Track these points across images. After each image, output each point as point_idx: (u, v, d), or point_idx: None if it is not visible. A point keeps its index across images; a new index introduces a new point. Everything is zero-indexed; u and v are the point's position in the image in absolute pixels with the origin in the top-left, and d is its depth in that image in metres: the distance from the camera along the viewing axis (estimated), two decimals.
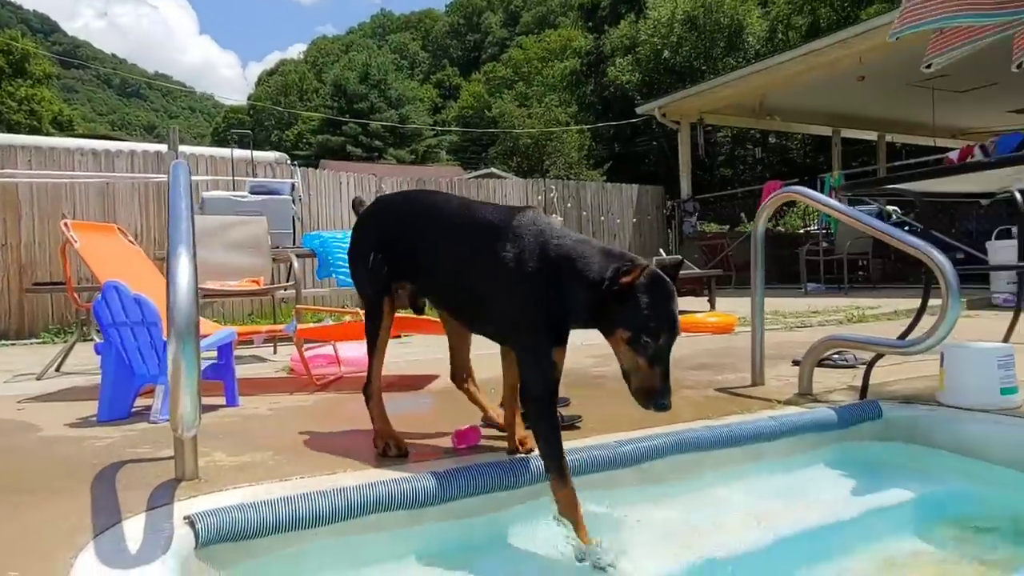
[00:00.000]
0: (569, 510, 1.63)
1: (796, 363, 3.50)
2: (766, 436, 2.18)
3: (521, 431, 2.01)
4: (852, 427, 2.33)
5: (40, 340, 7.23)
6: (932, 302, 2.41)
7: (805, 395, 2.67)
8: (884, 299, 7.84)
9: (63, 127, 38.85)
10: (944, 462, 2.20)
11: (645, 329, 1.52)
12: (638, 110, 14.58)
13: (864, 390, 2.58)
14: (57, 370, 4.26)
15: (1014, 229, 7.58)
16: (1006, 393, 2.32)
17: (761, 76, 11.36)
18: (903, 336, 2.50)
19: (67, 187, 7.70)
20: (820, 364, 3.31)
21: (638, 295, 1.54)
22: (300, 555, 1.55)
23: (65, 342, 5.02)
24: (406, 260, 2.00)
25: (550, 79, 39.96)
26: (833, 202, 2.53)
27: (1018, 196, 2.79)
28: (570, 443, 2.03)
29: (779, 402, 2.57)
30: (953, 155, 9.16)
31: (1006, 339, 2.77)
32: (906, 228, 10.85)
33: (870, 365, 2.60)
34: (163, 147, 8.50)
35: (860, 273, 10.62)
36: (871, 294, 8.78)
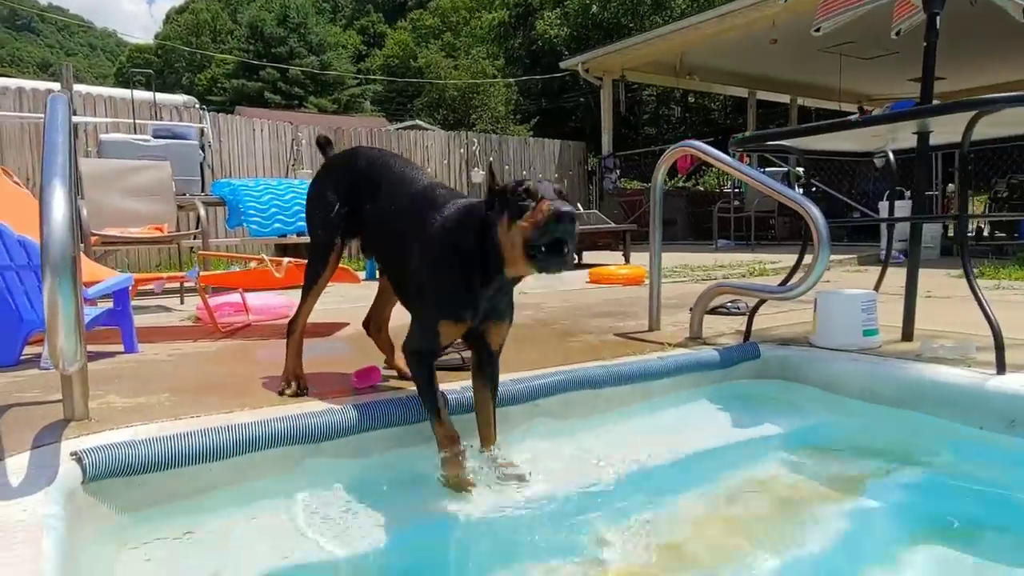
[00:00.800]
0: (443, 445, 1.71)
1: (691, 311, 3.71)
2: (654, 375, 2.33)
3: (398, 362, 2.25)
4: (733, 367, 2.52)
5: None
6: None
7: (695, 339, 2.85)
8: (786, 255, 8.28)
9: None
10: (811, 396, 2.42)
11: (524, 202, 1.49)
12: (562, 64, 14.57)
13: (747, 334, 2.78)
14: None
15: (903, 192, 8.13)
16: (867, 335, 2.56)
17: (681, 35, 11.54)
18: (783, 284, 2.69)
19: None
20: (714, 312, 3.53)
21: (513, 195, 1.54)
22: (193, 491, 1.59)
23: None
24: (361, 216, 2.04)
25: (478, 30, 39.17)
26: (724, 156, 2.67)
27: (890, 156, 3.02)
28: (469, 381, 2.12)
29: (670, 345, 2.74)
30: (853, 118, 9.64)
31: (876, 287, 3.02)
32: (813, 188, 11.41)
33: (753, 311, 2.80)
34: (55, 85, 7.93)
35: (769, 232, 11.14)
36: (775, 250, 9.25)
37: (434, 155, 11.61)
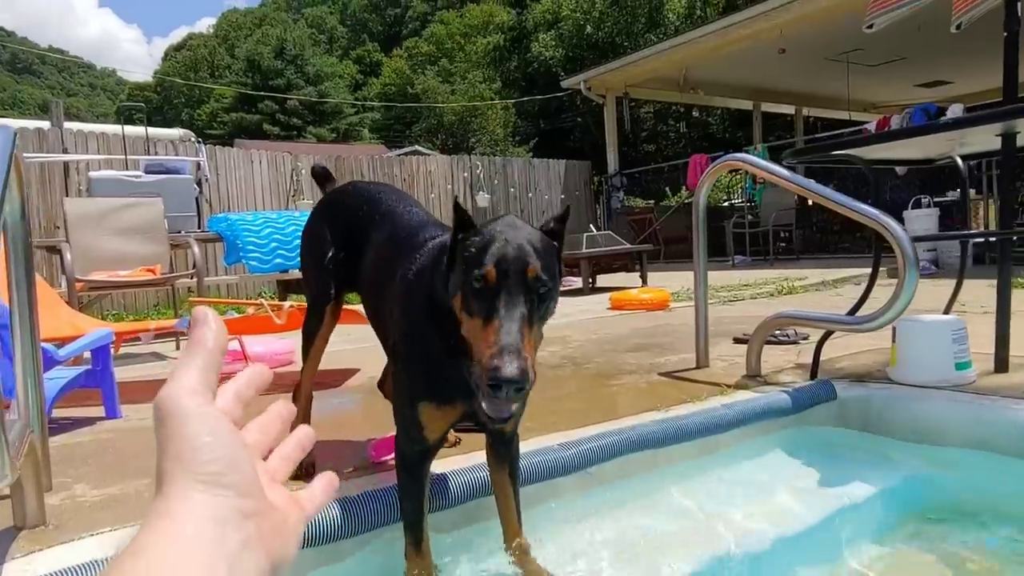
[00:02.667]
0: None
1: (738, 340, 3.37)
2: (721, 427, 1.98)
3: None
4: (807, 410, 2.18)
5: None
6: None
7: (754, 377, 2.50)
8: (808, 269, 7.95)
9: None
10: (902, 444, 2.06)
11: (470, 273, 1.04)
12: (563, 83, 14.37)
13: (815, 369, 2.43)
14: None
15: (925, 199, 7.81)
16: (960, 368, 2.21)
17: (684, 49, 11.32)
18: (853, 311, 2.35)
19: None
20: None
21: (463, 248, 1.10)
22: None
23: None
24: (356, 262, 1.70)
25: (473, 55, 39.31)
26: (781, 170, 2.35)
27: (959, 162, 2.69)
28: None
29: (728, 386, 2.40)
30: (870, 126, 9.36)
31: (947, 311, 2.68)
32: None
33: (820, 342, 2.46)
34: (46, 124, 7.69)
35: (783, 244, 10.82)
36: (795, 264, 8.92)
37: (437, 180, 11.34)
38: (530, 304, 1.01)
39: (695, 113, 28.12)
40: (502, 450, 1.40)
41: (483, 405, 0.99)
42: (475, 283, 1.01)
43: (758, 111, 14.73)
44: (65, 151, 7.43)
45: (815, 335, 3.00)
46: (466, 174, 11.67)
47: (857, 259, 8.45)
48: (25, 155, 7.19)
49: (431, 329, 1.19)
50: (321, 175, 1.94)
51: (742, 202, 12.07)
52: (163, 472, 0.40)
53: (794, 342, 3.22)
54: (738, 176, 13.39)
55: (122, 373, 3.20)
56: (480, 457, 1.74)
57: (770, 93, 14.16)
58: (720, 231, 10.78)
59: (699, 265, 2.76)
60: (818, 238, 10.82)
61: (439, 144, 31.80)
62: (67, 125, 7.66)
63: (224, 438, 0.42)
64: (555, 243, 1.14)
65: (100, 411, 2.48)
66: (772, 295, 5.81)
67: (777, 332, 3.26)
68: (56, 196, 7.22)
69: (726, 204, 13.52)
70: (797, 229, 10.13)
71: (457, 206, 1.13)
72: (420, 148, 25.32)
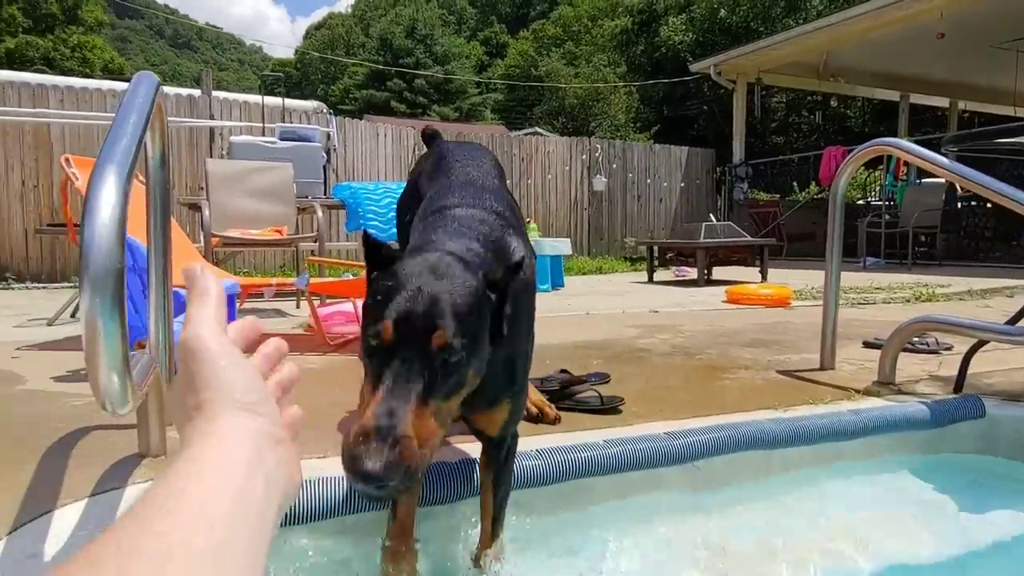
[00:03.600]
0: (390, 534, 1.23)
1: (868, 345, 3.10)
2: (846, 433, 1.81)
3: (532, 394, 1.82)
4: (949, 426, 1.95)
5: (71, 284, 7.16)
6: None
7: (886, 384, 2.27)
8: (951, 277, 7.26)
9: (114, 76, 39.28)
10: None
11: (368, 325, 0.88)
12: (692, 67, 13.83)
13: (960, 383, 2.18)
14: (73, 316, 4.09)
15: None
16: None
17: (828, 32, 10.56)
18: (1014, 320, 2.08)
19: (98, 129, 7.54)
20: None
21: (372, 291, 0.95)
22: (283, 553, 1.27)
23: None
24: None
25: (599, 38, 38.72)
26: (939, 158, 2.10)
27: None
28: (614, 432, 1.71)
29: (856, 391, 2.20)
30: None
31: None
32: (971, 203, 10.08)
33: (970, 353, 2.19)
34: (197, 92, 8.28)
35: (923, 248, 9.95)
36: (937, 271, 8.17)
37: (555, 161, 11.26)
38: (430, 377, 0.82)
39: (833, 103, 26.35)
40: (492, 453, 1.24)
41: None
42: (371, 339, 0.85)
43: (905, 103, 13.57)
44: (212, 117, 8.00)
45: (960, 346, 2.70)
46: (584, 156, 11.52)
47: (1011, 269, 7.64)
48: (176, 119, 7.78)
49: None
50: (430, 137, 1.87)
51: (879, 201, 11.19)
52: (202, 402, 0.46)
53: (934, 351, 2.92)
54: (876, 172, 12.42)
55: None
56: (583, 437, 1.68)
57: (922, 83, 12.99)
58: (852, 231, 10.03)
59: (831, 260, 2.54)
60: (965, 244, 9.86)
61: (559, 127, 31.68)
62: (215, 94, 8.24)
63: (254, 376, 0.49)
64: (492, 296, 0.95)
65: None
66: (908, 301, 5.34)
67: (915, 339, 2.96)
68: (202, 158, 7.79)
69: (861, 202, 12.59)
70: (942, 233, 9.27)
71: (367, 240, 0.95)
72: (540, 130, 25.32)
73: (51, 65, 33.33)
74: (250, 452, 0.44)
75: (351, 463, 0.75)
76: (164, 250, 1.68)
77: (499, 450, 1.23)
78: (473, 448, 1.50)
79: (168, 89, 8.47)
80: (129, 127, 1.15)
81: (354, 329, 3.30)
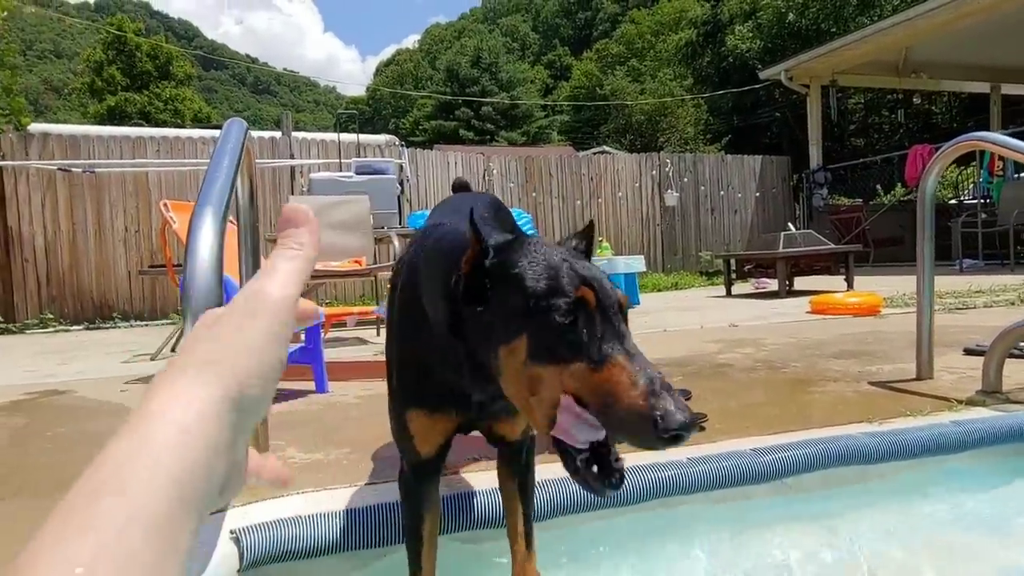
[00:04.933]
0: None
1: (970, 352, 2.92)
2: (950, 446, 1.71)
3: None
4: None
5: (170, 321, 7.62)
6: None
7: (992, 393, 2.14)
8: None
9: (203, 124, 41.88)
10: None
11: (550, 308, 0.76)
12: (762, 74, 13.51)
13: None
14: (173, 350, 4.34)
15: None
16: None
17: (906, 27, 10.11)
18: None
19: (190, 174, 8.06)
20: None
21: (503, 271, 0.83)
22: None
23: None
24: None
25: (664, 53, 38.44)
26: None
27: None
28: (699, 449, 1.68)
29: (958, 402, 2.07)
30: None
31: None
32: None
33: None
34: (278, 134, 8.72)
35: None
36: None
37: (624, 179, 11.20)
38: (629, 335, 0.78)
39: (916, 100, 25.15)
40: (512, 456, 1.17)
41: (579, 478, 0.75)
42: (564, 311, 0.75)
43: (997, 94, 12.80)
44: (292, 156, 8.40)
45: None
46: (654, 172, 11.40)
47: None
48: (260, 161, 8.21)
49: (428, 330, 0.96)
50: (460, 187, 1.88)
51: (973, 199, 10.55)
52: (215, 360, 0.38)
53: None
54: (968, 170, 11.73)
55: (330, 354, 3.50)
56: (667, 455, 1.65)
57: (1014, 71, 12.24)
58: (945, 232, 9.48)
59: (923, 264, 2.42)
60: None
61: (627, 144, 31.49)
62: (294, 134, 8.67)
63: (276, 369, 0.41)
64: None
65: (311, 385, 2.73)
66: (1012, 304, 5.00)
67: (1022, 344, 2.77)
68: (284, 196, 8.19)
69: (953, 201, 11.91)
70: None
71: (471, 220, 0.85)
72: (608, 148, 25.25)
73: (147, 118, 35.87)
74: (212, 445, 0.36)
75: (663, 421, 0.67)
76: None
77: (520, 452, 1.17)
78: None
79: (255, 133, 8.98)
80: (223, 170, 1.24)
81: None
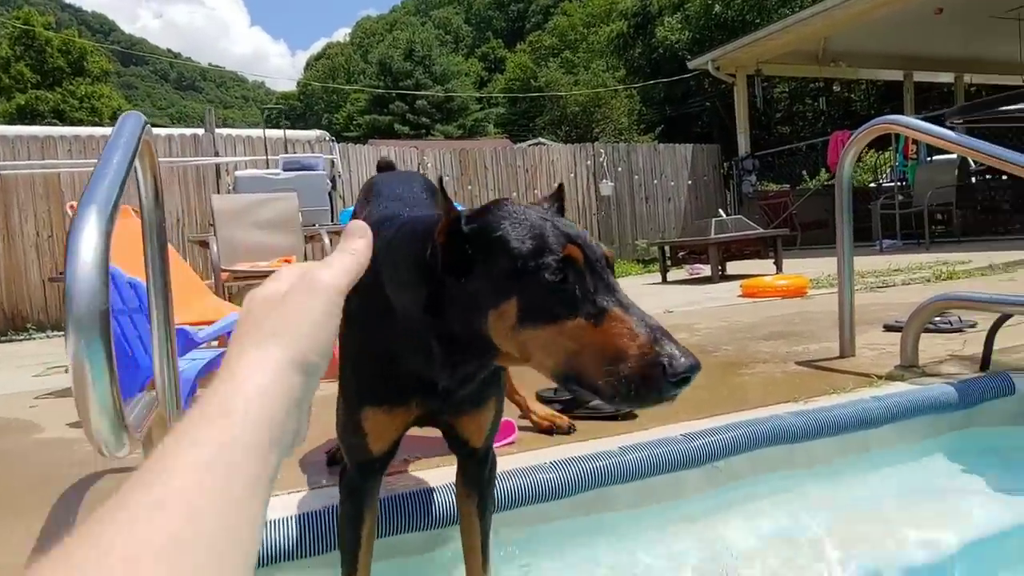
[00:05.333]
0: None
1: (889, 328, 3.03)
2: (872, 421, 1.76)
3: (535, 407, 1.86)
4: (977, 406, 1.89)
5: None
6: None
7: (910, 367, 2.22)
8: (972, 253, 7.11)
9: None
10: None
11: (539, 267, 0.74)
12: (690, 64, 13.79)
13: (986, 360, 2.12)
14: None
15: None
16: None
17: (824, 17, 10.48)
18: None
19: None
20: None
21: (484, 235, 0.79)
22: None
23: None
24: None
25: (596, 45, 38.85)
26: (945, 131, 2.05)
27: None
28: (629, 437, 1.67)
29: (879, 377, 2.14)
30: None
31: None
32: (986, 177, 9.90)
33: (994, 328, 2.13)
34: (199, 131, 8.39)
35: (940, 227, 9.79)
36: (956, 248, 8.01)
37: (560, 169, 11.25)
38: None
39: (836, 88, 26.18)
40: (473, 471, 1.10)
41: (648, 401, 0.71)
42: (549, 275, 0.72)
43: (909, 81, 13.42)
44: (216, 154, 8.10)
45: (984, 323, 2.63)
46: (589, 162, 11.50)
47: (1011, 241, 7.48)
48: (182, 159, 7.88)
49: (390, 322, 0.91)
50: (384, 167, 1.83)
51: (891, 182, 11.04)
52: (279, 336, 0.45)
53: (958, 330, 2.85)
54: (886, 154, 12.27)
55: None
56: (599, 445, 1.64)
57: (925, 60, 12.85)
58: (866, 215, 9.90)
59: (843, 245, 2.49)
60: (983, 219, 9.69)
61: (563, 136, 31.71)
62: (218, 131, 8.34)
63: (330, 345, 0.48)
64: None
65: None
66: (928, 280, 5.23)
67: (937, 319, 2.89)
68: (210, 195, 7.89)
69: (872, 185, 12.44)
70: (958, 209, 9.11)
71: (441, 186, 0.84)
72: (544, 140, 25.36)
73: (61, 117, 33.99)
74: (285, 407, 0.43)
75: (671, 366, 0.67)
76: (164, 288, 1.67)
77: (483, 466, 1.09)
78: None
79: (174, 130, 8.60)
80: (112, 167, 1.15)
81: None
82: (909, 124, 2.15)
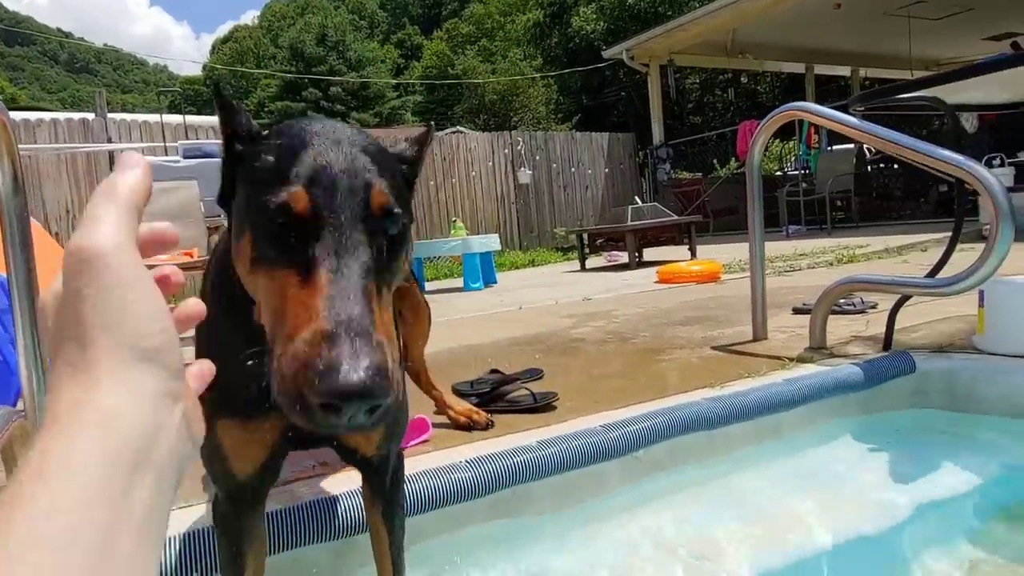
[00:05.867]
0: None
1: (798, 311, 3.12)
2: (783, 403, 1.78)
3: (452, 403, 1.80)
4: (881, 385, 1.94)
5: None
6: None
7: (818, 349, 2.27)
8: (870, 237, 7.52)
9: (9, 107, 36.92)
10: (996, 426, 1.82)
11: (266, 202, 0.60)
12: (605, 54, 13.97)
13: (888, 339, 2.19)
14: None
15: (997, 159, 7.28)
16: None
17: (731, 10, 10.80)
18: (932, 274, 2.10)
19: None
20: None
21: (250, 160, 0.67)
22: None
23: None
24: None
25: (513, 33, 38.86)
26: (846, 117, 2.10)
27: None
28: (549, 430, 1.62)
29: (790, 359, 2.18)
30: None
31: None
32: (880, 165, 10.51)
33: (895, 309, 2.21)
34: (90, 115, 7.80)
35: (840, 213, 10.31)
36: (855, 233, 8.46)
37: (478, 157, 11.16)
38: (376, 253, 0.59)
39: (743, 80, 27.22)
40: (374, 482, 0.97)
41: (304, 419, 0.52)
42: (273, 214, 0.59)
43: (811, 74, 14.06)
44: (109, 140, 7.54)
45: (885, 304, 2.74)
46: (507, 151, 11.46)
47: (922, 225, 7.97)
48: (70, 145, 7.31)
49: (227, 310, 0.74)
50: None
51: (795, 170, 11.56)
52: (89, 341, 0.35)
53: (861, 311, 2.96)
54: (790, 144, 12.82)
55: None
56: (516, 440, 1.58)
57: (824, 54, 13.48)
58: (772, 201, 10.29)
59: (755, 231, 2.53)
60: (879, 205, 10.28)
61: (481, 124, 31.59)
62: (110, 115, 7.78)
63: (163, 310, 0.38)
64: (403, 166, 0.74)
65: None
66: (831, 264, 5.48)
67: (842, 301, 2.99)
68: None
69: (778, 173, 12.98)
70: (856, 196, 9.62)
71: (218, 90, 0.72)
72: (462, 129, 25.19)
73: None
74: (151, 415, 0.35)
75: (330, 383, 0.47)
76: (28, 285, 1.49)
77: (382, 476, 0.96)
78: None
79: (61, 115, 7.96)
80: None
81: None
82: (815, 111, 2.19)
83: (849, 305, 3.02)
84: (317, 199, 0.58)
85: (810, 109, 2.22)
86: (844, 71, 14.94)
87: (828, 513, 1.47)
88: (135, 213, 0.40)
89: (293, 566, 1.22)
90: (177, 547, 1.14)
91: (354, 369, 0.48)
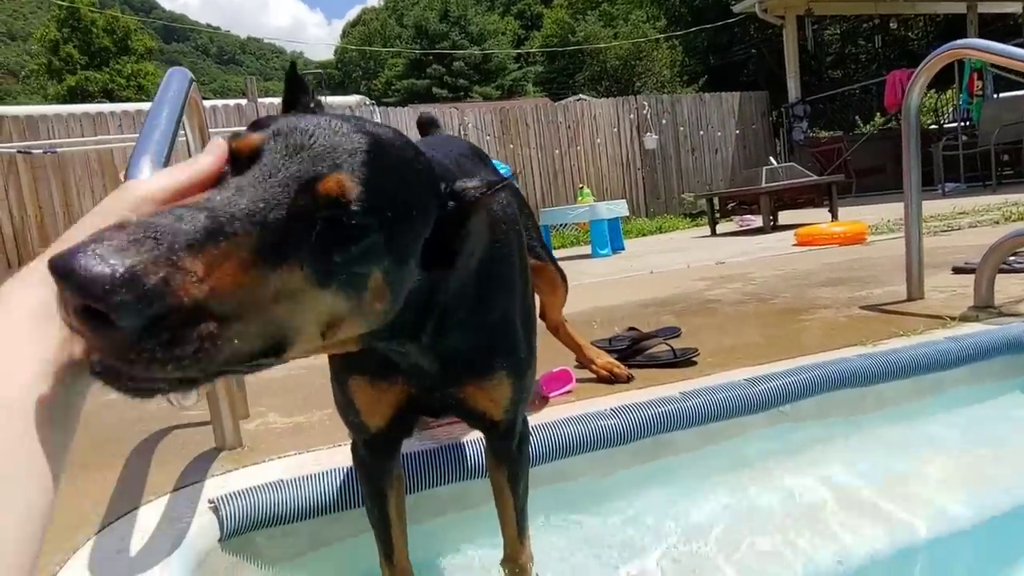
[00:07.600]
0: None
1: (958, 270, 2.90)
2: (948, 362, 1.68)
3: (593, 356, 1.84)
4: None
5: None
6: None
7: (985, 308, 2.11)
8: None
9: None
10: None
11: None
12: (735, 8, 13.25)
13: None
14: None
15: None
16: None
17: None
18: None
19: None
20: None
21: None
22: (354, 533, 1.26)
23: None
24: None
25: None
26: (1020, 52, 1.90)
27: None
28: (691, 383, 1.63)
29: (951, 318, 2.04)
30: None
31: None
32: None
33: None
34: (243, 101, 8.46)
35: (1007, 168, 9.28)
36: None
37: (602, 124, 11.01)
38: (301, 233, 0.52)
39: (892, 26, 24.87)
40: (499, 445, 1.01)
41: None
42: (228, 143, 0.57)
43: (973, 13, 12.62)
44: None
45: None
46: (632, 116, 11.22)
47: None
48: (227, 128, 7.97)
49: None
50: (427, 123, 1.71)
51: (953, 122, 10.49)
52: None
53: None
54: (947, 94, 11.64)
55: None
56: (659, 392, 1.61)
57: None
58: (927, 158, 9.42)
59: (911, 184, 2.36)
60: None
61: (603, 91, 31.02)
62: (261, 100, 8.40)
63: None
64: (438, 198, 0.70)
65: None
66: (996, 222, 4.98)
67: (1011, 258, 2.74)
68: None
69: (934, 127, 11.85)
70: None
71: (293, 70, 0.72)
72: (584, 96, 24.89)
73: (110, 96, 34.82)
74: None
75: (61, 256, 0.40)
76: None
77: (509, 441, 0.98)
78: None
79: (217, 102, 8.69)
80: (162, 120, 1.14)
81: None
82: (987, 47, 2.00)
83: (1020, 263, 2.75)
84: (263, 147, 0.55)
85: (980, 46, 2.03)
86: (1014, 7, 13.27)
87: (985, 472, 1.39)
88: (180, 181, 0.54)
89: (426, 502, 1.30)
90: (339, 481, 1.26)
91: (85, 251, 0.40)
